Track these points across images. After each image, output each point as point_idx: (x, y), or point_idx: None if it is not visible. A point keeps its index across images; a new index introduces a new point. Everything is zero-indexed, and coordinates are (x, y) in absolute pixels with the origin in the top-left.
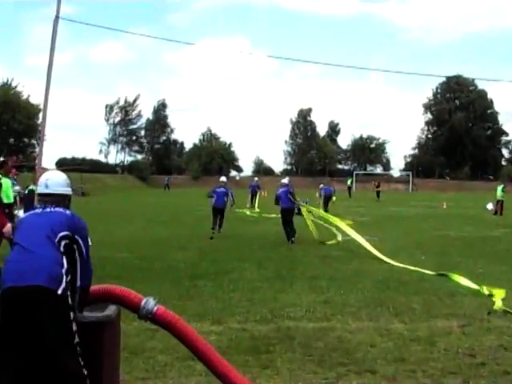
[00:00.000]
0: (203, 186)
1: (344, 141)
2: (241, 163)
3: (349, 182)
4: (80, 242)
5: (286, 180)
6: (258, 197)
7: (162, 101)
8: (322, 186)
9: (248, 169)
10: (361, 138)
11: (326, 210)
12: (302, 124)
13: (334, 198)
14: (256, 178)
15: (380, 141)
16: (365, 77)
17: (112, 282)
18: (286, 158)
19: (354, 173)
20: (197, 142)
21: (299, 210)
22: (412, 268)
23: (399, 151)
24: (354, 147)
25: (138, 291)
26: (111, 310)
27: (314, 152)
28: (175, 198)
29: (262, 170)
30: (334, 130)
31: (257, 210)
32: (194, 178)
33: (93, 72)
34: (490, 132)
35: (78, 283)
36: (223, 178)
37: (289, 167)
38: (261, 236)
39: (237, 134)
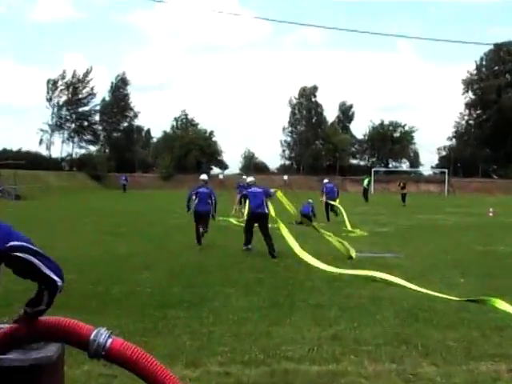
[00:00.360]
0: (176, 187)
1: (359, 129)
2: (225, 158)
3: (365, 182)
4: None
5: (251, 178)
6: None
7: (121, 76)
8: (326, 180)
9: (235, 165)
10: (381, 125)
11: (327, 218)
12: (305, 107)
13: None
14: (245, 177)
15: (406, 128)
16: (387, 45)
17: (55, 313)
18: (283, 151)
19: (373, 170)
20: (168, 129)
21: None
22: (434, 294)
23: (431, 142)
24: (373, 137)
25: (90, 324)
26: (51, 349)
27: (321, 143)
28: (139, 203)
29: (252, 166)
30: (346, 114)
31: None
32: (164, 176)
33: (29, 36)
34: None
35: None
36: (204, 176)
37: (287, 162)
38: (250, 252)
39: (220, 120)
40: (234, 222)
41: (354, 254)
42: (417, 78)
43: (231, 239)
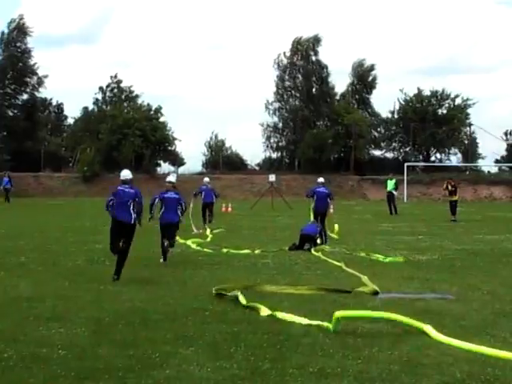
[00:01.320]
0: (103, 192)
1: (385, 103)
2: (181, 148)
3: (391, 184)
4: None
5: (173, 178)
6: (213, 212)
7: (18, 21)
8: (321, 180)
9: (195, 159)
10: (419, 96)
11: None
12: (301, 69)
13: (331, 210)
14: (207, 179)
15: (458, 102)
16: None
17: None
18: (268, 138)
19: (406, 166)
20: (90, 105)
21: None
22: (502, 355)
23: (496, 123)
24: (405, 115)
25: None
26: None
27: (326, 125)
28: (45, 219)
29: (222, 161)
30: (363, 80)
31: (209, 235)
32: (85, 177)
33: None
34: None
35: None
36: (171, 178)
37: (274, 155)
38: (218, 294)
39: (172, 91)
40: (193, 246)
41: (371, 288)
42: (476, 25)
43: (191, 272)
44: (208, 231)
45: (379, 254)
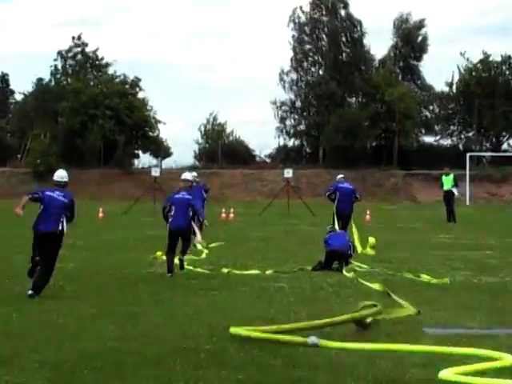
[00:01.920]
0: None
1: (438, 71)
2: (165, 135)
3: (447, 180)
4: None
5: (189, 175)
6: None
7: None
8: (340, 176)
9: (184, 148)
10: (484, 62)
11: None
12: (327, 26)
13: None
14: (194, 174)
15: None
16: None
17: None
18: (282, 120)
19: (468, 156)
20: (46, 75)
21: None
22: None
23: None
24: (468, 88)
25: None
26: None
27: (360, 102)
28: None
29: (221, 151)
30: (409, 41)
31: (204, 250)
32: (37, 172)
33: None
34: None
35: None
36: (187, 175)
37: (292, 143)
38: (220, 334)
39: (154, 56)
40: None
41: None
42: None
43: (180, 300)
44: (200, 244)
45: (427, 274)
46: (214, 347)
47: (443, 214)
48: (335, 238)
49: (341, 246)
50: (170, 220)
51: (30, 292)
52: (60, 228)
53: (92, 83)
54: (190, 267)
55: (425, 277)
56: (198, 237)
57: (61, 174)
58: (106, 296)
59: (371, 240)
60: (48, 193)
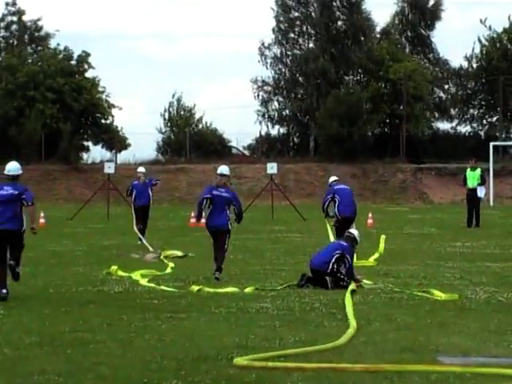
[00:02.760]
0: None
1: (454, 43)
2: (122, 122)
3: (473, 175)
4: None
5: (225, 170)
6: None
7: None
8: (333, 178)
9: (144, 139)
10: (510, 31)
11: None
12: None
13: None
14: (142, 169)
15: None
16: None
17: None
18: (264, 103)
19: (491, 145)
20: None
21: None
22: None
23: None
24: (488, 62)
25: None
26: None
27: (360, 80)
28: None
29: (190, 142)
30: (419, 6)
31: (169, 264)
32: None
33: None
34: None
35: None
36: (224, 169)
37: (276, 131)
38: (190, 367)
39: (106, 26)
40: (143, 282)
41: None
42: None
43: (139, 325)
44: (162, 255)
45: (436, 290)
46: (181, 381)
47: (463, 216)
48: (319, 252)
49: (317, 263)
50: (207, 218)
51: (3, 291)
52: (16, 225)
53: (30, 59)
54: (153, 284)
55: (436, 293)
56: (149, 249)
57: (11, 167)
58: (50, 320)
59: (382, 242)
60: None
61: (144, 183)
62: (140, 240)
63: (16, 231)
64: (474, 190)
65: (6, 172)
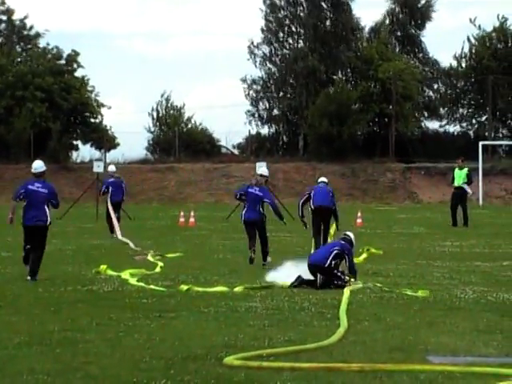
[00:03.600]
0: None
1: (444, 42)
2: (111, 121)
3: (460, 174)
4: None
5: (265, 170)
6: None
7: None
8: (322, 179)
9: (133, 138)
10: (500, 30)
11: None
12: None
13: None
14: (112, 168)
15: None
16: None
17: None
18: (254, 102)
19: (481, 145)
20: None
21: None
22: None
23: None
24: (479, 61)
25: None
26: None
27: (349, 79)
28: None
29: (179, 141)
30: (409, 5)
31: (158, 263)
32: None
33: None
34: None
35: None
36: (264, 170)
37: (266, 130)
38: (179, 367)
39: (95, 25)
40: (132, 281)
41: None
42: None
43: (129, 325)
44: (150, 255)
45: (423, 289)
46: (170, 381)
47: (449, 215)
48: (317, 250)
49: (315, 258)
50: (242, 213)
51: (28, 277)
52: (45, 219)
53: (19, 59)
54: (142, 283)
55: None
56: (118, 232)
57: (36, 165)
58: (38, 320)
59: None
60: (29, 186)
61: (118, 179)
62: (126, 243)
63: (44, 224)
64: (460, 189)
65: (33, 171)
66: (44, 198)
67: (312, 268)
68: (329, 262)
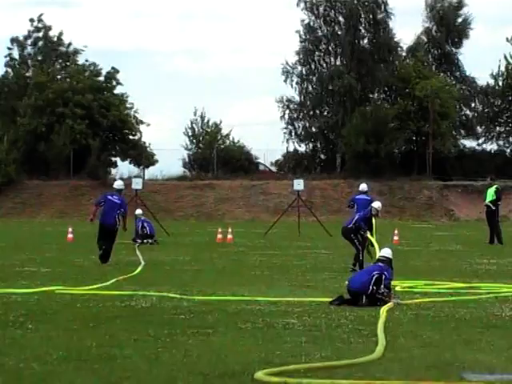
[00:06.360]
0: (17, 210)
1: (482, 61)
2: (149, 138)
3: (489, 192)
4: None
5: (365, 186)
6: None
7: None
8: (363, 186)
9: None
10: None
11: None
12: (343, 7)
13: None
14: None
15: None
16: None
17: None
18: (290, 121)
19: None
20: (0, 67)
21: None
22: None
23: None
24: None
25: None
26: None
27: (386, 97)
28: None
29: (216, 158)
30: (446, 24)
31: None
32: None
33: None
34: None
35: None
36: (364, 186)
37: (303, 148)
38: (216, 383)
39: (135, 43)
40: (170, 295)
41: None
42: None
43: (166, 340)
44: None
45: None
46: None
47: (486, 233)
48: (356, 275)
49: (355, 285)
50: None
51: (100, 261)
52: (114, 222)
53: (59, 76)
54: (181, 296)
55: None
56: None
57: (118, 183)
58: (77, 335)
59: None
60: (109, 197)
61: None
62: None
63: (114, 226)
64: (488, 207)
65: (114, 186)
66: (117, 206)
67: (353, 295)
68: (370, 289)
